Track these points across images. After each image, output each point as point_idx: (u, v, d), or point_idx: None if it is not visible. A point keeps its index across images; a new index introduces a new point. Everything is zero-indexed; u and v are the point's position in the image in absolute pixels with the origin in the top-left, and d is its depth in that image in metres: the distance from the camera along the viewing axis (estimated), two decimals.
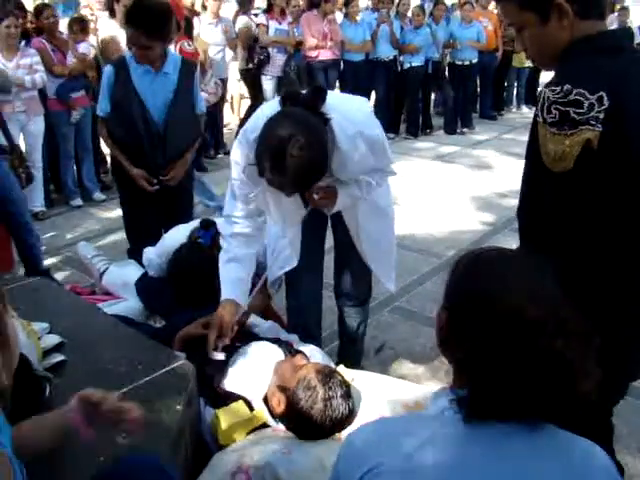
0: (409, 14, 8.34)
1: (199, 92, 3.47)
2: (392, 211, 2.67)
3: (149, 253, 2.95)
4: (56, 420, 1.28)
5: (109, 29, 5.82)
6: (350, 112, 2.13)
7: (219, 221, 3.09)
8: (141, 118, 3.22)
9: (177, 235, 2.94)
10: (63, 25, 5.79)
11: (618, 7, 9.71)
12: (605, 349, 1.58)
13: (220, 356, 2.18)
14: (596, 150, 1.43)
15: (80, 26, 5.77)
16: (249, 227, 2.34)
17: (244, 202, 2.30)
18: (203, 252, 2.82)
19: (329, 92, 2.07)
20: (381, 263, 2.69)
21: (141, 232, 3.39)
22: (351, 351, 2.96)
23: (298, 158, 1.83)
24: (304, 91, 2.05)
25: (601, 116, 1.41)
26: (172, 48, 4.51)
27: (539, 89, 1.61)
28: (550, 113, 1.47)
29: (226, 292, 2.31)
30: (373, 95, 8.12)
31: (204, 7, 7.33)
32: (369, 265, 2.65)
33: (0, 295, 1.04)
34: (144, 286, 2.84)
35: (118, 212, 5.44)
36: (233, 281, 2.34)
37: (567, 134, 1.44)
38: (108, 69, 3.30)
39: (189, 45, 4.52)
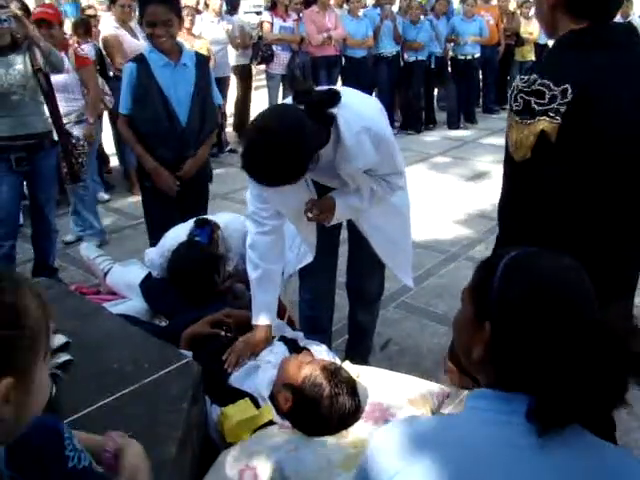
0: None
1: (214, 84, 3.50)
2: (408, 209, 2.64)
3: (151, 253, 2.95)
4: (89, 448, 1.22)
5: (110, 28, 5.84)
6: (359, 108, 2.10)
7: (220, 218, 3.09)
8: (164, 111, 3.24)
9: (177, 234, 2.94)
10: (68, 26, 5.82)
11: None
12: None
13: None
14: (554, 142, 1.43)
15: (84, 28, 5.79)
16: (273, 229, 2.33)
17: (261, 201, 2.30)
18: (201, 250, 2.82)
19: (343, 88, 2.06)
20: (399, 261, 2.69)
21: (162, 226, 3.26)
22: (359, 347, 2.96)
23: (264, 150, 1.80)
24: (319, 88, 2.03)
25: (562, 109, 1.41)
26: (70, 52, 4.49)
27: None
28: (516, 101, 1.49)
29: (262, 317, 2.34)
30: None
31: (206, 5, 7.34)
32: (387, 263, 2.65)
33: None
34: (148, 287, 2.84)
35: (122, 212, 5.48)
36: (268, 305, 2.37)
37: (526, 123, 1.46)
38: (130, 66, 3.30)
39: (82, 50, 4.54)
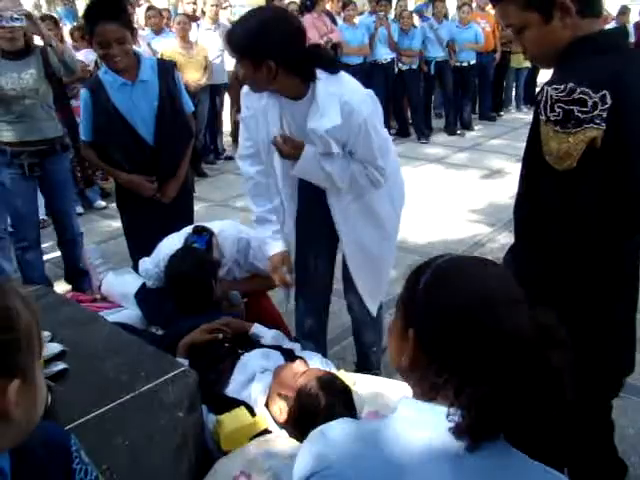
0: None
1: (183, 91, 3.26)
2: (392, 225, 2.63)
3: (145, 263, 2.92)
4: None
5: None
6: (344, 80, 2.26)
7: (214, 225, 3.06)
8: (130, 139, 3.06)
9: (172, 242, 2.90)
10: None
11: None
12: (593, 348, 1.60)
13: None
14: (599, 149, 1.43)
15: (81, 33, 5.80)
16: (259, 173, 2.53)
17: (247, 146, 2.51)
18: (199, 255, 2.81)
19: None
20: (366, 277, 2.65)
21: (144, 244, 3.13)
22: (367, 362, 2.94)
23: (252, 14, 2.18)
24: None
25: (604, 115, 1.41)
26: None
27: (538, 88, 1.61)
28: (554, 111, 1.47)
29: (271, 248, 2.60)
30: None
31: (203, 13, 7.37)
32: (354, 279, 2.63)
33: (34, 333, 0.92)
34: (144, 298, 2.83)
35: (118, 219, 5.46)
36: (272, 238, 2.59)
37: (571, 132, 1.44)
38: (84, 94, 3.07)
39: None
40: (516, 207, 1.71)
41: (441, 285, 1.00)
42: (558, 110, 1.46)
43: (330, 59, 2.27)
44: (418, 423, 0.98)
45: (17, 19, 3.30)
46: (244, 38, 2.11)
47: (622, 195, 1.47)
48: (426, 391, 1.01)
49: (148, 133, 3.08)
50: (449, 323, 0.96)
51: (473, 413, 0.93)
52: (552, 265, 1.55)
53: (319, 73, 2.19)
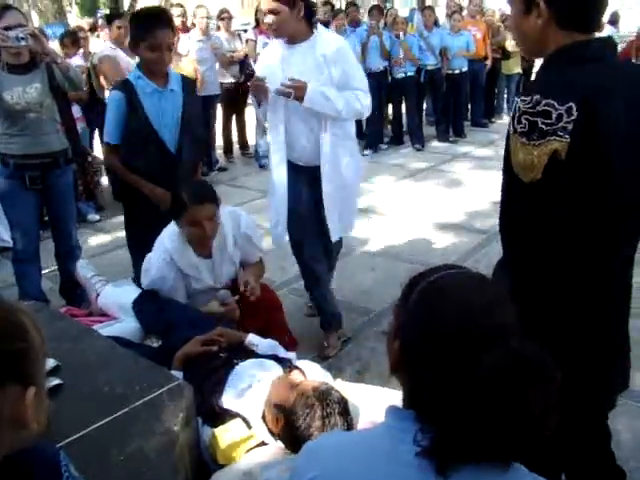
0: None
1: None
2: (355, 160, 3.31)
3: (149, 260, 2.90)
4: None
5: (106, 49, 5.85)
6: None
7: None
8: (154, 145, 3.11)
9: (170, 231, 2.91)
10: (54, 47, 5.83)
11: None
12: (589, 359, 1.59)
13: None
14: (564, 161, 1.43)
15: (71, 39, 5.79)
16: None
17: None
18: None
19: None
20: (334, 202, 3.18)
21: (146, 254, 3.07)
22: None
23: None
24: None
25: (569, 127, 1.41)
26: None
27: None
28: (520, 123, 1.48)
29: None
30: None
31: (194, 25, 7.39)
32: (325, 202, 3.19)
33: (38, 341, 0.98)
34: (141, 307, 2.83)
35: (113, 232, 5.46)
36: None
37: (535, 144, 1.45)
38: (117, 95, 3.10)
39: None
40: (499, 219, 1.73)
41: (424, 308, 1.02)
42: (524, 122, 1.47)
43: (325, 22, 3.19)
44: (401, 432, 1.00)
45: (23, 39, 3.34)
46: None
47: (599, 207, 1.47)
48: (406, 400, 1.06)
49: (171, 141, 3.16)
50: (427, 347, 0.98)
51: (440, 441, 0.93)
52: (528, 278, 1.56)
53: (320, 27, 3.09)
